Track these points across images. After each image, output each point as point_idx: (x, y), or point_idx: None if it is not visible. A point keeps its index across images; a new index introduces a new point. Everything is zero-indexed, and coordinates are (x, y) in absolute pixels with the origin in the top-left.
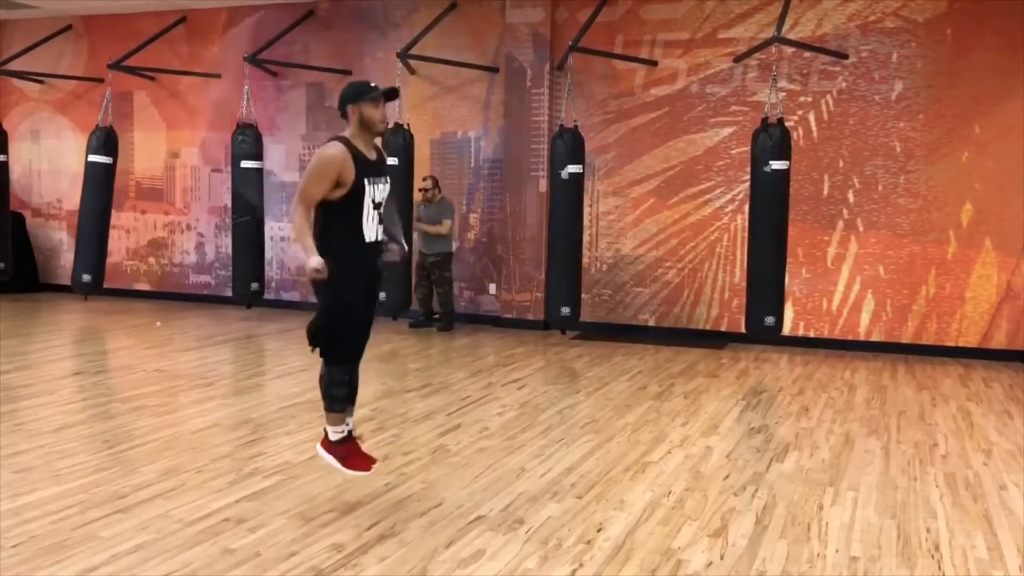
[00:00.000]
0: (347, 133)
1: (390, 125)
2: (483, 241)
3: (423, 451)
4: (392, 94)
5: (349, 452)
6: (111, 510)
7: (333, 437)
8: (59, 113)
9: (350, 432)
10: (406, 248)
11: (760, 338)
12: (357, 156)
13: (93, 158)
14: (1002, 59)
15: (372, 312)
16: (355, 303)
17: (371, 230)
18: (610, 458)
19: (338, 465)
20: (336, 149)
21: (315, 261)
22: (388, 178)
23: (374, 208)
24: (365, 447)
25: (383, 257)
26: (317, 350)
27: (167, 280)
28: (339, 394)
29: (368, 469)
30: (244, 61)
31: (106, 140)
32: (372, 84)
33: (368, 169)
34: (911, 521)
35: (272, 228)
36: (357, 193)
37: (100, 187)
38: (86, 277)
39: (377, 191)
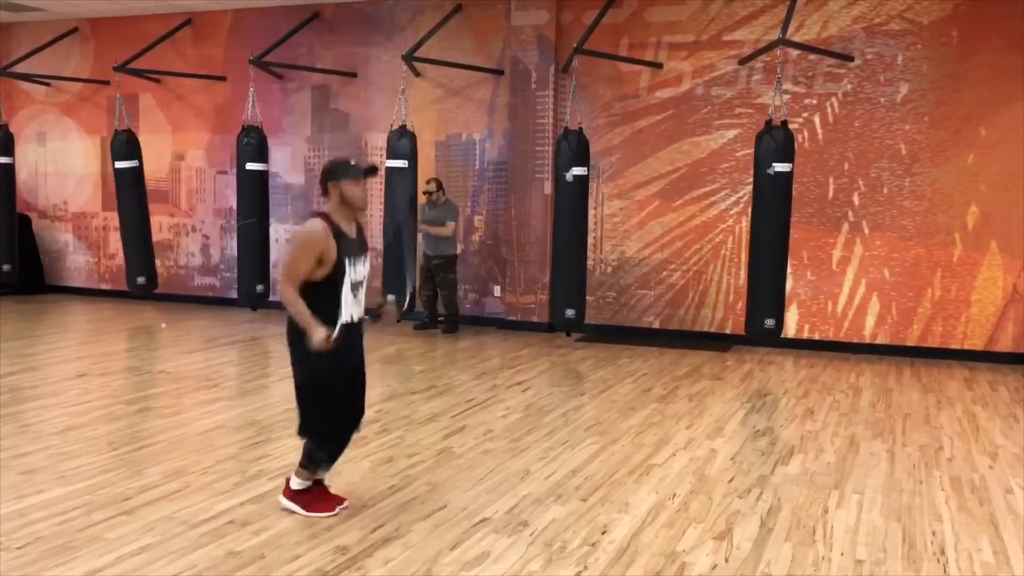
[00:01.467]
0: (327, 209)
1: (395, 127)
2: (488, 243)
3: (428, 453)
4: (372, 172)
5: (312, 499)
6: (116, 512)
7: (295, 487)
8: (65, 115)
9: (319, 480)
10: (405, 306)
11: (760, 341)
12: (338, 234)
13: (120, 164)
14: (1008, 61)
15: (359, 401)
16: (338, 384)
17: (349, 311)
18: (615, 460)
19: (303, 512)
20: (318, 227)
21: (322, 332)
22: (367, 257)
23: (352, 290)
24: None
25: (380, 317)
26: (305, 437)
27: (172, 282)
28: (320, 458)
29: (332, 511)
30: (249, 63)
31: (128, 143)
32: (353, 163)
33: (349, 248)
34: (916, 524)
35: (277, 230)
36: (338, 273)
37: (132, 190)
38: (140, 279)
39: (357, 271)
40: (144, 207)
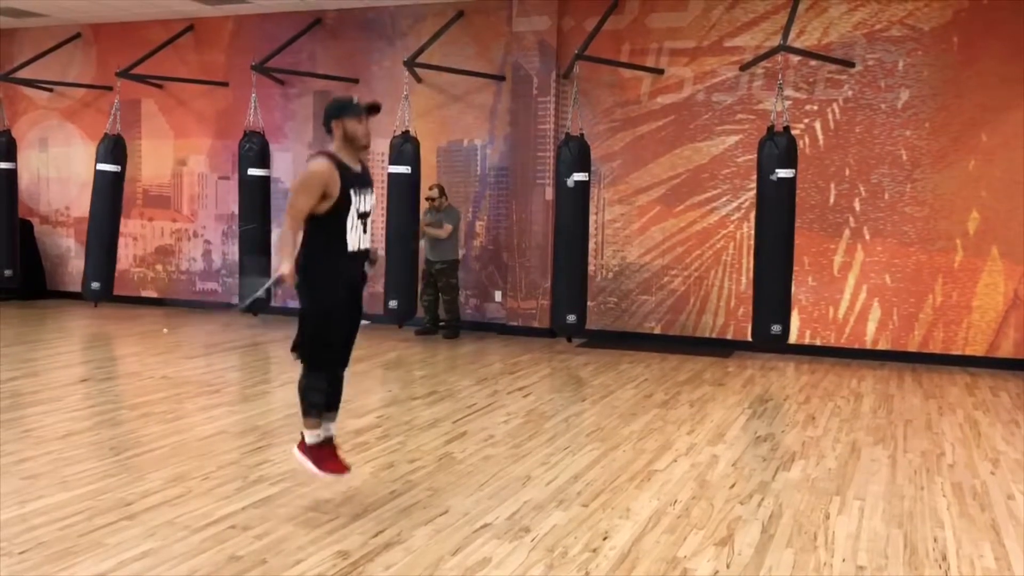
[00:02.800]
0: (332, 147)
1: (398, 134)
2: (489, 249)
3: (429, 459)
4: (374, 109)
5: (325, 456)
6: (118, 517)
7: (309, 440)
8: (67, 121)
9: (329, 438)
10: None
11: (767, 347)
12: (342, 168)
13: (101, 166)
14: (1009, 67)
15: (357, 320)
16: (336, 310)
17: (355, 239)
18: (616, 466)
19: (313, 468)
20: (322, 163)
21: (285, 267)
22: (373, 188)
23: (359, 218)
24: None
25: (374, 263)
26: (297, 357)
27: (174, 287)
28: (316, 400)
29: (344, 471)
30: (251, 69)
31: (114, 148)
32: (355, 99)
33: (353, 180)
34: (918, 530)
35: (278, 236)
36: (343, 204)
37: (108, 195)
38: (95, 284)
39: (363, 202)
40: (117, 213)
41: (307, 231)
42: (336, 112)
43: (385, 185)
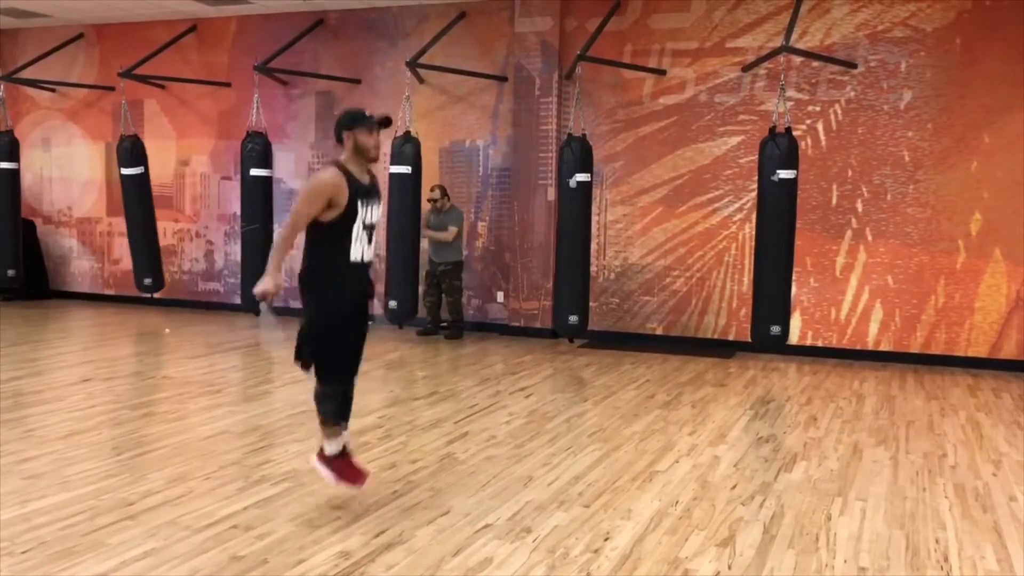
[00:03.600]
0: (342, 158)
1: (399, 134)
2: (491, 249)
3: (430, 459)
4: (386, 122)
5: (343, 466)
6: (119, 516)
7: (329, 451)
8: (70, 121)
9: (345, 447)
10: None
11: (766, 348)
12: (351, 179)
13: (126, 171)
14: (1011, 69)
15: (364, 330)
16: (342, 320)
17: (359, 251)
18: (617, 467)
19: (332, 479)
20: (330, 173)
21: (268, 281)
22: (380, 200)
23: (364, 229)
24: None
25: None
26: (302, 364)
27: (176, 287)
28: (330, 409)
29: (360, 484)
30: (254, 70)
31: (133, 149)
32: (367, 113)
33: (361, 191)
34: (920, 532)
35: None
36: (350, 214)
37: (138, 196)
38: (147, 281)
39: (370, 213)
40: (150, 210)
41: (313, 241)
42: (348, 123)
43: (386, 186)
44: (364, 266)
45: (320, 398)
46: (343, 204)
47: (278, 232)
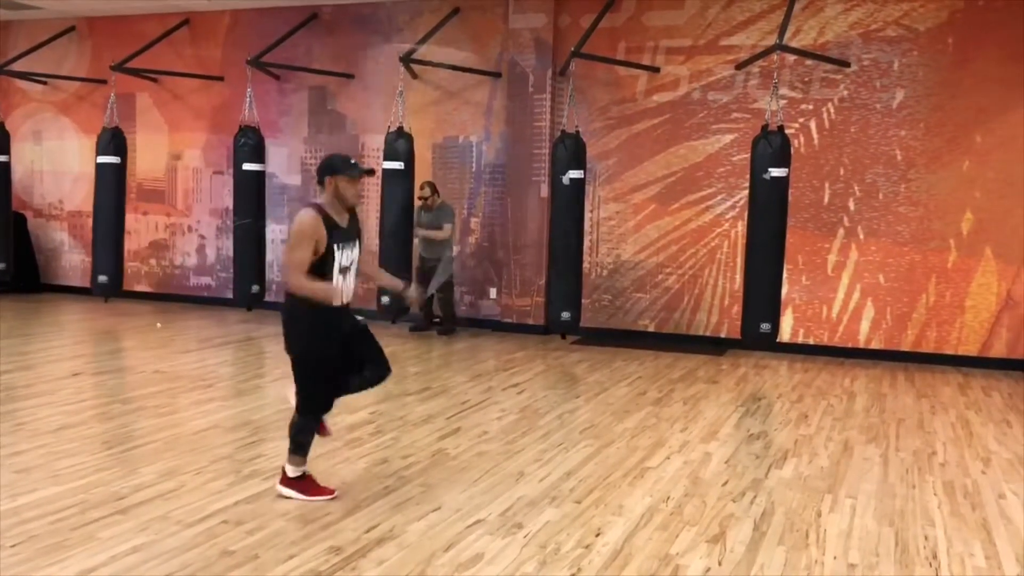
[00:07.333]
0: (321, 200)
1: (392, 129)
2: (484, 246)
3: (422, 455)
4: (369, 173)
5: (310, 484)
6: (110, 511)
7: (292, 474)
8: (62, 114)
9: (305, 471)
10: (402, 282)
11: (756, 345)
12: (329, 223)
13: (102, 159)
14: (1003, 69)
15: (367, 337)
16: (327, 359)
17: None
18: (609, 463)
19: (302, 497)
20: (309, 217)
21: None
22: (359, 242)
23: (340, 272)
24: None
25: (407, 303)
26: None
27: (168, 282)
28: (304, 441)
29: (331, 494)
30: (247, 64)
31: (113, 140)
32: (353, 162)
33: (337, 235)
34: (909, 529)
35: (273, 231)
36: (326, 259)
37: (111, 187)
38: (103, 278)
39: (344, 256)
40: (121, 205)
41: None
42: (332, 170)
43: (379, 181)
44: (344, 308)
45: (297, 430)
46: (322, 249)
47: (294, 284)
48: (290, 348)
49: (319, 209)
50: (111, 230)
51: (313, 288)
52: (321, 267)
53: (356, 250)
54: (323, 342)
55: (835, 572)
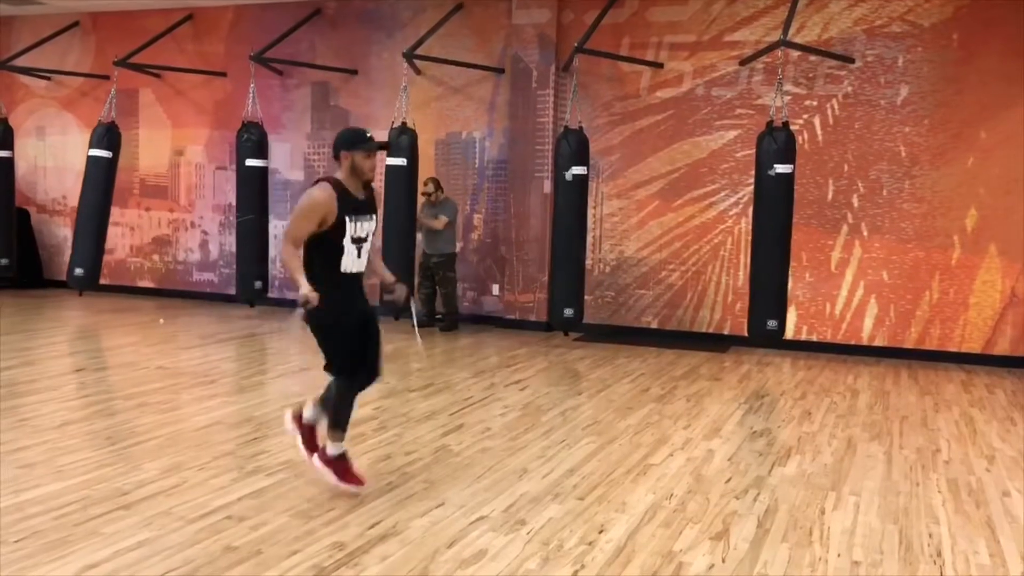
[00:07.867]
0: (339, 175)
1: (395, 125)
2: (487, 242)
3: (425, 451)
4: (384, 147)
5: (345, 468)
6: (113, 507)
7: (332, 452)
8: (65, 110)
9: (345, 452)
10: (393, 278)
11: (762, 342)
12: (343, 196)
13: (93, 152)
14: (1008, 65)
15: (373, 331)
16: (346, 319)
17: (349, 263)
18: (612, 460)
19: (334, 479)
20: (323, 191)
21: (305, 289)
22: (375, 216)
23: (354, 243)
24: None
25: (393, 299)
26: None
27: (171, 277)
28: (346, 416)
29: (361, 486)
30: (250, 59)
31: (107, 135)
32: (368, 135)
33: (352, 208)
34: (913, 526)
35: (276, 227)
36: (338, 229)
37: (100, 181)
38: (79, 271)
39: (360, 227)
40: (107, 200)
41: (307, 251)
42: (348, 144)
43: (382, 178)
44: (354, 276)
45: (337, 404)
46: (331, 222)
47: (283, 252)
48: (308, 320)
49: (336, 184)
50: (93, 224)
51: (292, 266)
52: (334, 238)
53: (372, 223)
54: (340, 308)
55: (839, 569)
